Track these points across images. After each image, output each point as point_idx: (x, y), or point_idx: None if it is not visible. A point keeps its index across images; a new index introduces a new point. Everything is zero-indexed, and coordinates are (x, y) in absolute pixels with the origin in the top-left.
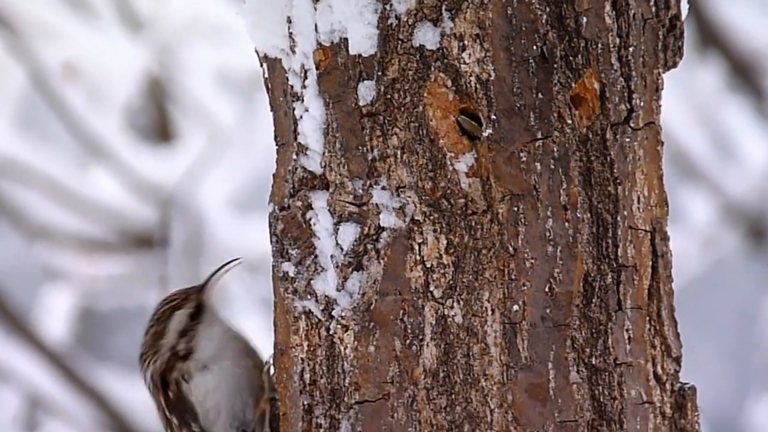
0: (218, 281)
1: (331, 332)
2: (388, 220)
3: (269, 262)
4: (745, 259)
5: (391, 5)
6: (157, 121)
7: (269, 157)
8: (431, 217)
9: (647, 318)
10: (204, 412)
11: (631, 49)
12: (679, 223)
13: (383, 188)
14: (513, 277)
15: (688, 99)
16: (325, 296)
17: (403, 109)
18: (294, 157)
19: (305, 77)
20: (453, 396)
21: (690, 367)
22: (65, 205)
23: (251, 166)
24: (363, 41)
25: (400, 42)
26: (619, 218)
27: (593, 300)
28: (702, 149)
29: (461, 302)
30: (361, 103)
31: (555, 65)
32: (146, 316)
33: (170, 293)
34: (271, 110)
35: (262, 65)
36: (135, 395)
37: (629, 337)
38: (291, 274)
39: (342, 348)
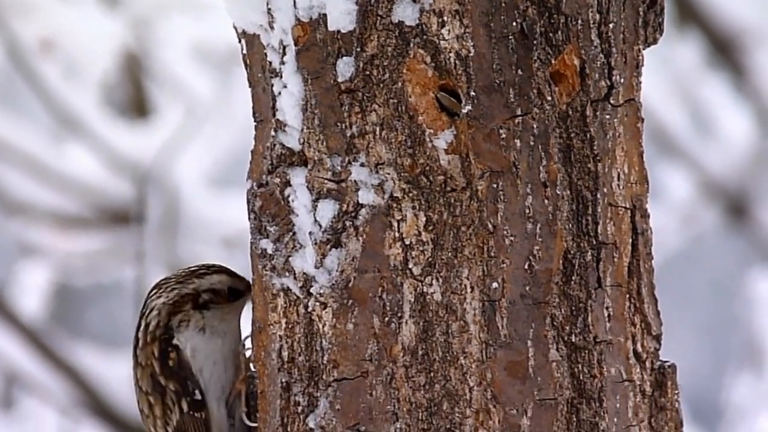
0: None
1: (310, 310)
2: (366, 197)
3: (246, 238)
4: (724, 235)
5: None
6: (133, 97)
7: (246, 132)
8: (410, 194)
9: (627, 296)
10: (202, 380)
11: (611, 25)
12: (658, 199)
13: (362, 165)
14: (492, 254)
15: (668, 75)
16: (304, 273)
17: (382, 85)
18: (272, 133)
19: (284, 53)
20: (432, 374)
21: (669, 344)
22: (41, 180)
23: (228, 142)
24: (342, 17)
25: (379, 18)
26: (599, 195)
27: (573, 277)
28: (681, 126)
29: (440, 279)
30: (339, 80)
31: (535, 41)
32: (122, 292)
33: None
34: (250, 86)
35: (240, 41)
36: (111, 372)
37: (609, 315)
38: (269, 251)
39: (320, 325)
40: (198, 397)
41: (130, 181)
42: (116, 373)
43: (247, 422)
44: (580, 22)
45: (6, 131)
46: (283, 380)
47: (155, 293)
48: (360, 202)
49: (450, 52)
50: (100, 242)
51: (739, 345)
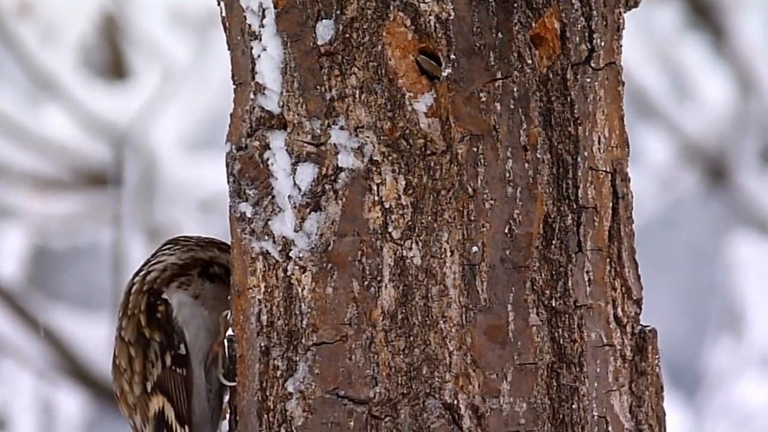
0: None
1: (289, 273)
2: (346, 160)
3: (224, 201)
4: (703, 198)
5: None
6: (111, 59)
7: (223, 95)
8: (390, 158)
9: (607, 260)
10: (188, 336)
11: None
12: (637, 162)
13: (341, 128)
14: (472, 218)
15: (647, 38)
16: (283, 237)
17: (361, 48)
18: (252, 96)
19: (263, 16)
20: (411, 338)
21: (647, 308)
22: (18, 142)
23: (205, 105)
24: None
25: None
26: (579, 159)
27: (553, 241)
28: (660, 88)
29: (420, 243)
30: (319, 43)
31: (515, 4)
32: (99, 255)
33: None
34: (229, 49)
35: (219, 4)
36: (88, 334)
37: (589, 279)
38: (248, 215)
39: (299, 289)
40: (182, 351)
41: (108, 143)
42: (93, 336)
43: (225, 382)
44: None
45: None
46: (262, 344)
47: (169, 248)
48: (339, 165)
49: (430, 15)
50: (77, 205)
51: (718, 309)
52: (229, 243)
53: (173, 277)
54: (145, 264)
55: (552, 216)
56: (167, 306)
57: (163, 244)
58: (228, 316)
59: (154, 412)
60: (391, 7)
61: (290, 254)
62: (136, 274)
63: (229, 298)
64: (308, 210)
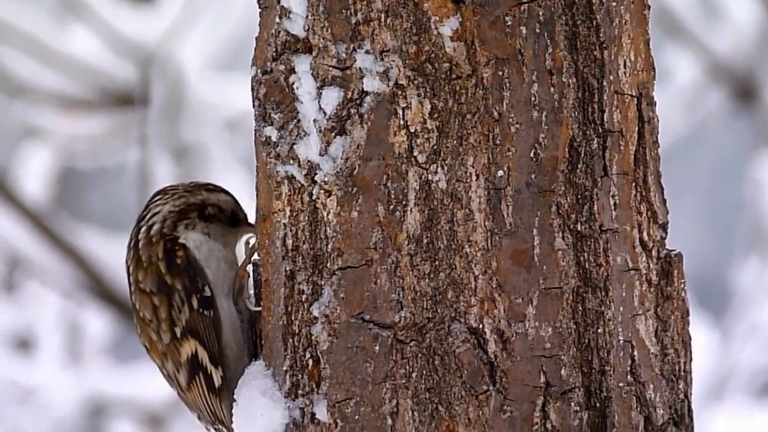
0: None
1: (314, 197)
2: (371, 84)
3: (249, 121)
4: (730, 118)
5: None
6: None
7: (249, 16)
8: (415, 82)
9: (633, 184)
10: (210, 275)
11: None
12: (664, 83)
13: (367, 52)
14: (498, 142)
15: None
16: (308, 161)
17: None
18: (277, 20)
19: None
20: (437, 262)
21: (673, 228)
22: (45, 62)
23: (231, 25)
24: None
25: None
26: (605, 83)
27: (579, 166)
28: (687, 7)
29: (445, 167)
30: None
31: None
32: (126, 175)
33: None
34: None
35: None
36: (114, 255)
37: (615, 204)
38: (273, 139)
39: (325, 213)
40: (207, 293)
41: (134, 63)
42: (119, 256)
43: (251, 307)
44: None
45: (10, 13)
46: (288, 268)
47: (160, 199)
48: (365, 89)
49: None
50: (103, 125)
51: (745, 229)
52: (214, 184)
53: (176, 223)
54: (141, 219)
55: (577, 140)
56: (186, 250)
57: (152, 196)
58: (252, 241)
59: (186, 356)
60: None
61: (315, 178)
62: (137, 229)
63: (234, 245)
64: (333, 134)
